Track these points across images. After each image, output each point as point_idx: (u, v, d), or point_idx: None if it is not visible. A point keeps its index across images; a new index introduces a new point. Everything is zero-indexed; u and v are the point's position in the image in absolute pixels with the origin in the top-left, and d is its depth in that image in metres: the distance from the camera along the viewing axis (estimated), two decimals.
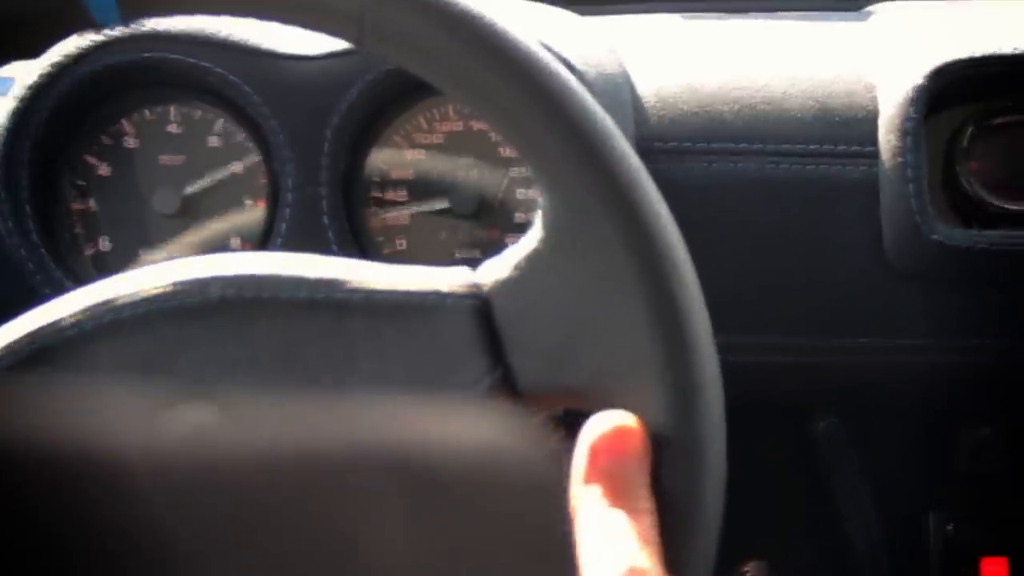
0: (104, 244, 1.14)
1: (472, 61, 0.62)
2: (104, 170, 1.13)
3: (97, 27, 0.65)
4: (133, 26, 1.09)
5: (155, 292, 0.66)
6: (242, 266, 0.68)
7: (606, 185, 0.62)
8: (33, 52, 0.71)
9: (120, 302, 0.66)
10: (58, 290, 1.02)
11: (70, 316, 0.66)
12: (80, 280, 1.05)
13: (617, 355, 0.63)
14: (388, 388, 0.65)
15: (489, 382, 0.66)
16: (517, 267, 0.66)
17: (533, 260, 0.66)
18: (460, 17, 0.62)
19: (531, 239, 0.66)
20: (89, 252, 1.13)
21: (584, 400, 0.64)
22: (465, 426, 0.66)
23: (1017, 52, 1.05)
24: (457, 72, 0.63)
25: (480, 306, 0.66)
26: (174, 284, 0.67)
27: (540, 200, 0.65)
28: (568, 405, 0.65)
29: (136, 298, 0.66)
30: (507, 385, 0.66)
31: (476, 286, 0.67)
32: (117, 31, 1.08)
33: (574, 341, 0.64)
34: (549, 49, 0.89)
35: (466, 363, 0.66)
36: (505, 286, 0.66)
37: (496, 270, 0.67)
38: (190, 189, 1.12)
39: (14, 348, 0.66)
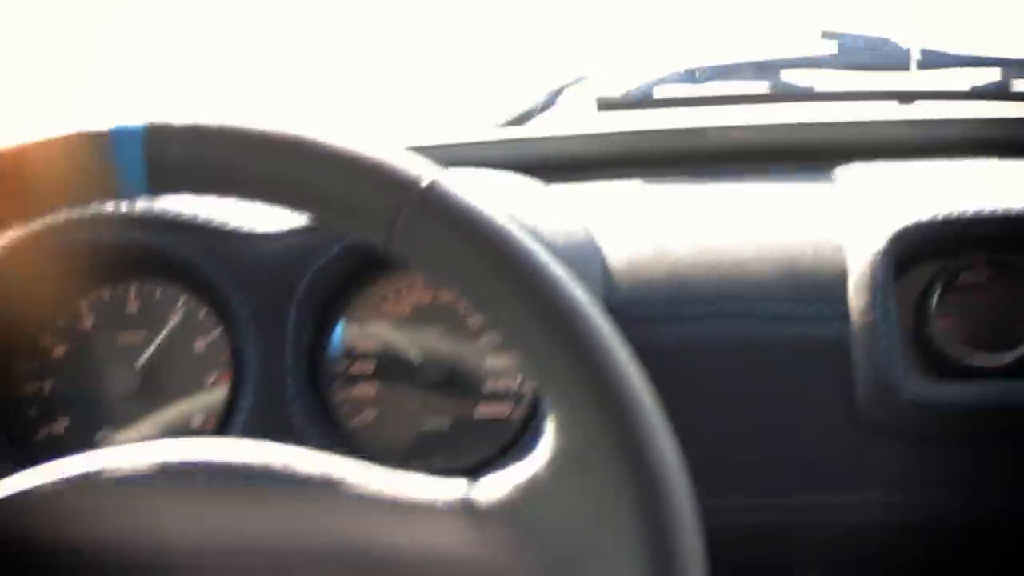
0: (59, 427, 1.11)
1: (504, 296, 0.63)
2: (60, 351, 1.12)
3: (121, 199, 0.65)
4: (94, 207, 1.09)
5: (141, 471, 0.65)
6: (230, 453, 0.67)
7: (620, 432, 0.62)
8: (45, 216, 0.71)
9: (104, 475, 0.65)
10: (8, 474, 0.99)
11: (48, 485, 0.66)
12: (34, 463, 1.03)
13: None
14: None
15: None
16: (516, 488, 0.65)
17: (533, 484, 0.65)
18: (489, 239, 0.63)
19: (533, 462, 0.65)
20: (43, 435, 1.11)
21: None
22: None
23: (980, 213, 1.06)
24: (483, 296, 0.63)
25: (473, 522, 0.65)
26: (162, 467, 0.66)
27: (548, 423, 0.64)
28: None
29: (118, 474, 0.65)
30: None
31: (470, 502, 0.66)
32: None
33: (564, 572, 0.64)
34: (515, 219, 0.90)
35: None
36: (500, 506, 0.65)
37: (493, 489, 0.66)
38: (150, 367, 1.11)
39: None
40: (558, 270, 0.63)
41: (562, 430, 0.64)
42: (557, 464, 0.64)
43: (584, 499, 0.63)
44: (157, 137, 0.63)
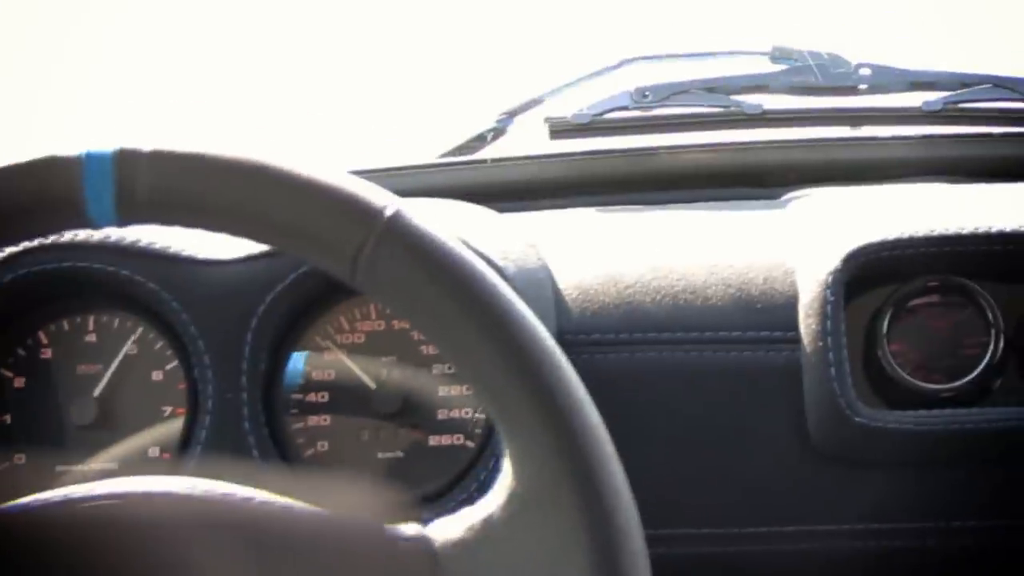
0: (19, 458, 1.11)
1: (464, 335, 0.63)
2: (19, 382, 1.11)
3: (88, 227, 0.64)
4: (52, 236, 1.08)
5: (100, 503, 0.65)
6: (186, 486, 0.66)
7: (576, 474, 0.62)
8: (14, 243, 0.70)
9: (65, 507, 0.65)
10: None
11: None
12: None
13: None
14: None
15: None
16: (471, 529, 0.65)
17: (488, 525, 0.65)
18: (449, 274, 0.62)
19: (489, 502, 0.65)
20: (3, 466, 1.11)
21: None
22: None
23: (929, 234, 1.07)
24: (443, 334, 0.63)
25: (427, 563, 0.65)
26: (124, 498, 0.65)
27: (504, 461, 0.64)
28: None
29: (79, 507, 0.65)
30: None
31: (426, 542, 0.66)
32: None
33: None
34: (468, 245, 0.90)
35: None
36: (456, 547, 0.65)
37: (449, 529, 0.66)
38: (108, 398, 1.10)
39: None
40: (519, 308, 0.63)
41: (518, 469, 0.64)
42: (513, 504, 0.64)
43: (540, 539, 0.63)
44: (127, 165, 0.63)
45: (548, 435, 0.62)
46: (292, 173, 0.63)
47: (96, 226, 0.64)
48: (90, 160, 0.63)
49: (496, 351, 0.62)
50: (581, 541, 0.62)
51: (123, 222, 0.64)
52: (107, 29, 2.24)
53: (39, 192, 0.63)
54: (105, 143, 0.63)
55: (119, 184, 0.63)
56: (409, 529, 0.67)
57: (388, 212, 0.62)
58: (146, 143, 0.64)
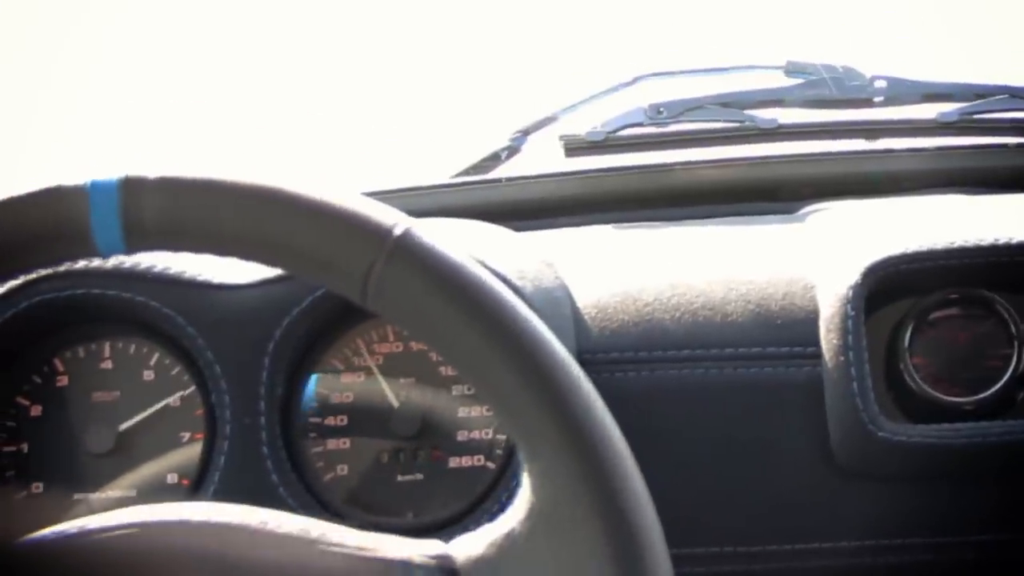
0: (37, 487, 1.11)
1: (481, 352, 0.62)
2: (36, 410, 1.11)
3: (96, 256, 0.64)
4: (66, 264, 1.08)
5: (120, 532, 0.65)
6: (209, 515, 0.66)
7: (597, 490, 0.61)
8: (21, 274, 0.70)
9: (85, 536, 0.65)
10: None
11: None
12: (11, 523, 1.02)
13: None
14: None
15: None
16: (492, 545, 0.65)
17: (509, 542, 0.64)
18: (464, 293, 0.62)
19: (509, 519, 0.65)
20: (21, 495, 1.10)
21: None
22: None
23: (949, 246, 1.06)
24: (458, 351, 0.63)
25: None
26: (140, 527, 0.65)
27: (524, 477, 0.64)
28: None
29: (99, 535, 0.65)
30: None
31: (448, 559, 0.65)
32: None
33: None
34: (485, 264, 0.89)
35: None
36: (477, 564, 0.65)
37: (470, 546, 0.66)
38: (125, 425, 1.10)
39: None
40: (537, 325, 0.63)
41: (538, 486, 0.63)
42: (533, 521, 0.64)
43: (561, 556, 0.63)
44: (133, 193, 0.62)
45: (569, 454, 0.61)
46: (299, 196, 0.63)
47: (104, 255, 0.64)
48: (95, 190, 0.62)
49: (514, 370, 0.62)
50: (604, 558, 0.61)
51: (131, 250, 0.63)
52: (114, 44, 2.24)
53: (45, 223, 0.63)
54: (110, 171, 0.63)
55: (125, 213, 0.62)
56: (431, 547, 0.66)
57: (397, 231, 0.62)
58: (151, 170, 0.63)
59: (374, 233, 0.62)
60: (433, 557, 0.66)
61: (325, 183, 0.64)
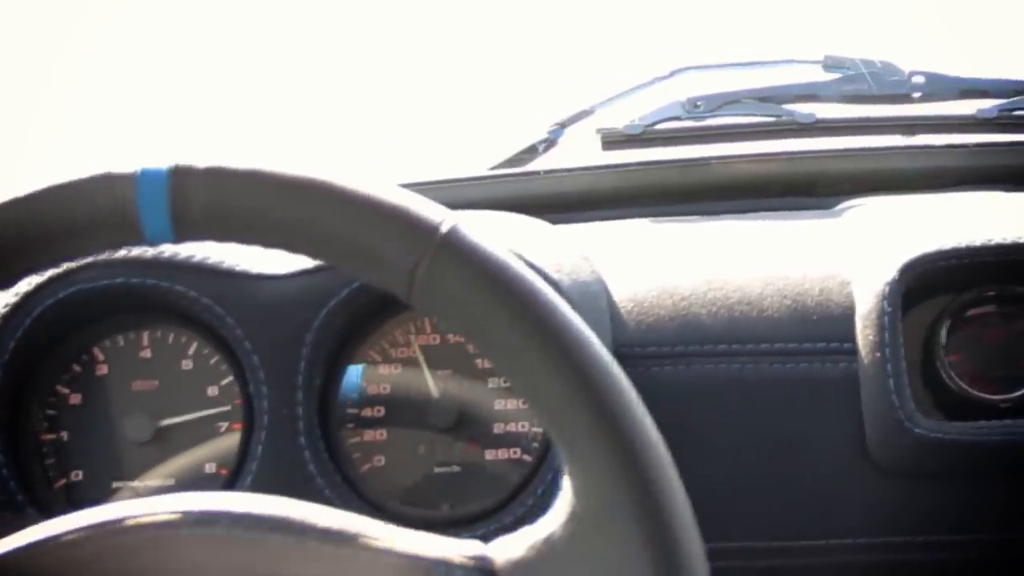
0: (76, 475, 1.11)
1: (524, 353, 0.62)
2: (75, 399, 1.12)
3: (144, 243, 0.64)
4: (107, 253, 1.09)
5: (164, 519, 0.65)
6: (250, 505, 0.66)
7: (638, 494, 0.61)
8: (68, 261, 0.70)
9: (128, 523, 0.65)
10: (26, 524, 0.99)
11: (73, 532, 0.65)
12: (50, 512, 1.03)
13: None
14: None
15: None
16: (532, 548, 0.64)
17: (549, 545, 0.64)
18: (509, 292, 0.62)
19: (550, 522, 0.64)
20: (60, 484, 1.11)
21: None
22: None
23: (988, 244, 1.06)
24: (502, 350, 0.62)
25: None
26: (183, 514, 0.65)
27: (564, 479, 0.64)
28: None
29: (143, 522, 0.65)
30: None
31: (487, 560, 0.65)
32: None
33: None
34: (522, 258, 0.89)
35: None
36: (516, 566, 0.65)
37: (510, 548, 0.65)
38: (167, 421, 1.11)
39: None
40: (577, 325, 0.62)
41: (579, 488, 0.63)
42: (574, 523, 0.63)
43: (601, 560, 0.62)
44: (182, 182, 0.62)
45: (609, 456, 0.61)
46: (347, 189, 0.63)
47: (151, 243, 0.64)
48: (145, 177, 0.62)
49: (554, 370, 0.61)
50: (643, 561, 0.61)
51: (178, 239, 0.63)
52: (144, 45, 2.25)
53: (93, 210, 0.63)
54: (159, 159, 0.63)
55: (174, 201, 0.62)
56: (470, 548, 0.66)
57: (444, 228, 0.62)
58: (201, 159, 0.63)
59: (421, 229, 0.62)
60: (472, 558, 0.65)
61: (370, 177, 0.64)
